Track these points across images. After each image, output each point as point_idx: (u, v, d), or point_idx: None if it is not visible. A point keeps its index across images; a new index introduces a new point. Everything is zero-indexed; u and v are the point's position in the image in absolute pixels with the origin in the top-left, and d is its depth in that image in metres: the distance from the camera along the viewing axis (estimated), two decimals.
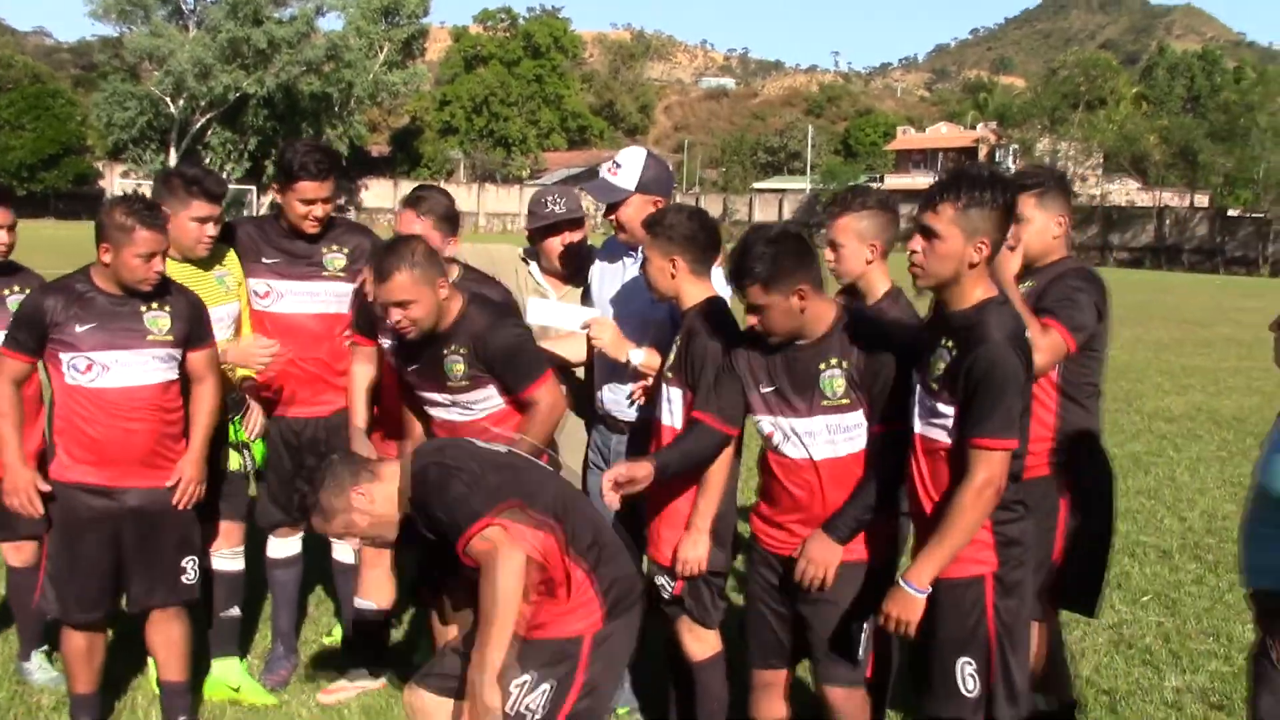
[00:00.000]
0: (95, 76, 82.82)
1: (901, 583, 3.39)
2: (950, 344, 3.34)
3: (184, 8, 72.03)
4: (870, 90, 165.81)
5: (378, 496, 3.58)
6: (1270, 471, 3.04)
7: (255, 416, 4.76)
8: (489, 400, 4.22)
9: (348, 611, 5.18)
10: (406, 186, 71.15)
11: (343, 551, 5.18)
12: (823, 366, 3.59)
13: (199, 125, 69.71)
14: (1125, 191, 68.68)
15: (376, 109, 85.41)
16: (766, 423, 3.74)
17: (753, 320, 3.63)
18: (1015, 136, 71.43)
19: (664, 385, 4.06)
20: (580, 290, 4.86)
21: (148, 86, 68.86)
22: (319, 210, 4.73)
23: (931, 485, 3.45)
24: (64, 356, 4.06)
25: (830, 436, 3.63)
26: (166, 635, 4.32)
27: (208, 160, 69.70)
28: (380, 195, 72.59)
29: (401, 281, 3.97)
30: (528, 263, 4.99)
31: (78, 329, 4.05)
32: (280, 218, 4.87)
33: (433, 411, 4.33)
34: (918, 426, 3.47)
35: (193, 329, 4.26)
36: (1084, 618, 5.85)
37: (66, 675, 4.36)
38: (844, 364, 3.57)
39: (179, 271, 4.54)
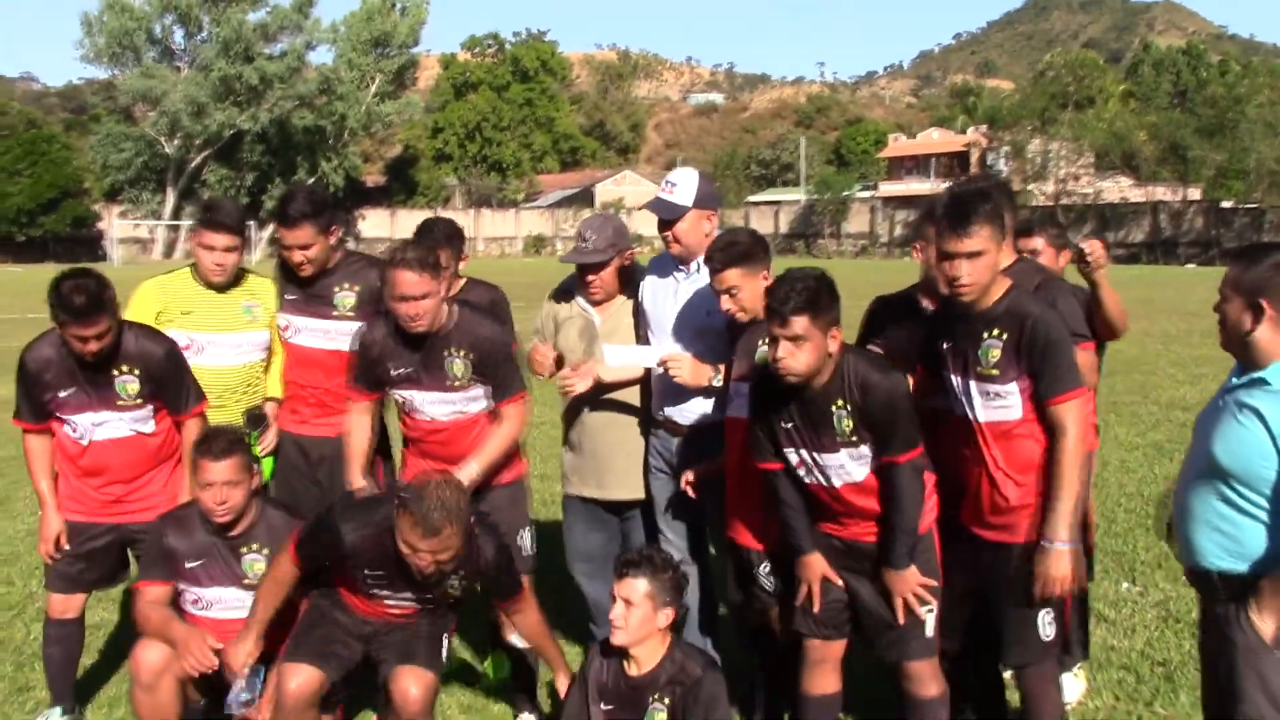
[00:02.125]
0: (87, 119, 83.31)
1: (1047, 544, 3.68)
2: (997, 332, 3.71)
3: (174, 48, 72.50)
4: (858, 99, 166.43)
5: None
6: (1223, 445, 3.13)
7: (271, 435, 5.14)
8: (479, 402, 4.65)
9: None
10: (403, 215, 71.56)
11: None
12: (833, 408, 3.82)
13: (195, 164, 70.12)
14: (1118, 189, 69.01)
15: (370, 139, 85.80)
16: (792, 455, 3.97)
17: (781, 355, 3.74)
18: (1006, 139, 71.77)
19: (733, 384, 4.34)
20: (621, 305, 5.06)
21: (142, 127, 69.27)
22: (297, 256, 4.96)
23: (1008, 464, 3.76)
24: None
25: (852, 465, 3.88)
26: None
27: (205, 198, 70.04)
28: (378, 225, 72.88)
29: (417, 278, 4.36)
30: (571, 294, 5.15)
31: None
32: None
33: (429, 409, 4.64)
34: (981, 417, 3.78)
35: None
36: (1133, 598, 6.10)
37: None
38: (848, 406, 3.81)
39: (203, 297, 5.00)
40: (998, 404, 3.76)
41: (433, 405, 4.67)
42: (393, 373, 4.66)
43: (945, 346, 3.89)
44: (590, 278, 4.94)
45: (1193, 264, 52.20)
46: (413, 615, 4.26)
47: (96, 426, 4.61)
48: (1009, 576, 3.82)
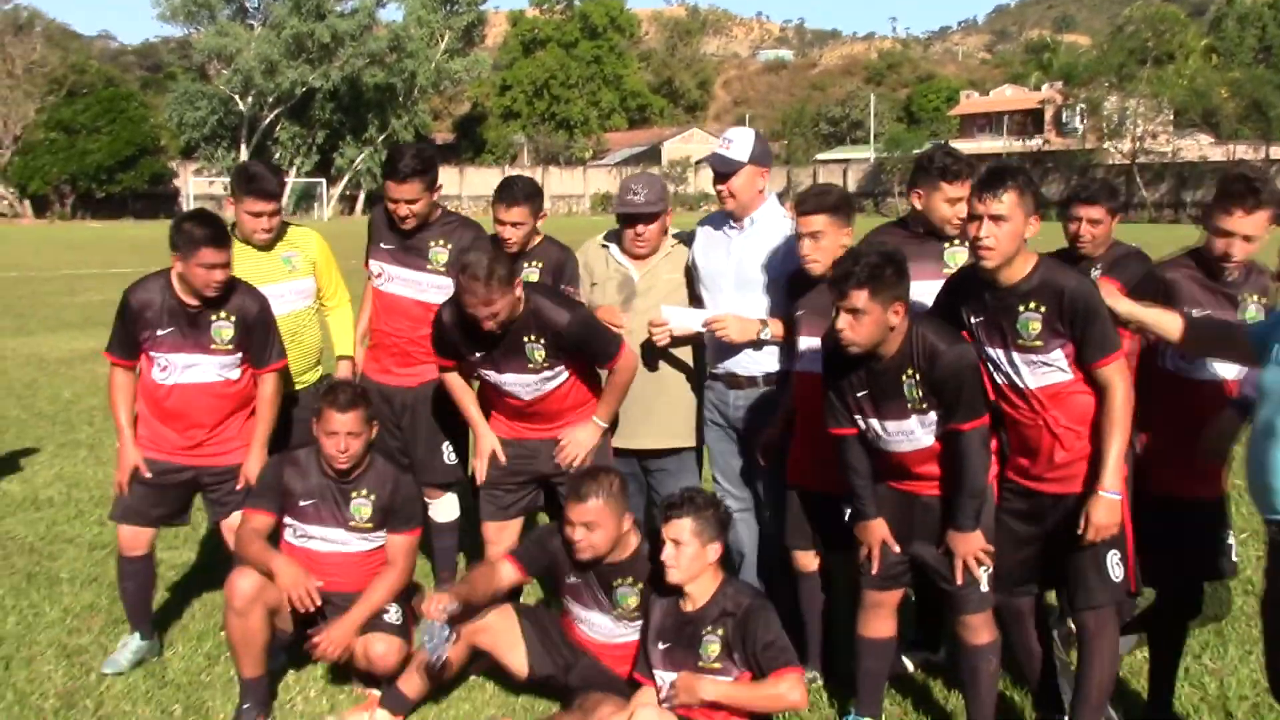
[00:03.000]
0: (163, 78, 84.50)
1: (1102, 493, 3.86)
2: (1034, 304, 3.87)
3: (248, 6, 73.25)
4: (930, 55, 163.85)
5: None
6: None
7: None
8: (560, 376, 4.83)
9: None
10: (472, 173, 72.05)
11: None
12: (904, 377, 3.99)
13: (267, 121, 70.94)
14: (1198, 147, 67.47)
15: (439, 97, 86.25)
16: (861, 422, 4.16)
17: (841, 326, 3.90)
18: (1082, 96, 70.33)
19: (799, 338, 4.54)
20: (659, 263, 5.26)
21: (216, 85, 70.18)
22: (403, 209, 5.25)
23: (1069, 421, 3.95)
24: None
25: (921, 432, 4.06)
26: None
27: (276, 156, 70.98)
28: (447, 182, 72.40)
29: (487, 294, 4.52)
30: (607, 246, 5.36)
31: None
32: None
33: (509, 388, 4.85)
34: (1032, 384, 3.96)
35: (387, 513, 4.83)
36: None
37: (234, 659, 4.62)
38: (917, 375, 3.98)
39: (244, 254, 5.26)
40: (1045, 370, 3.94)
41: (512, 385, 4.87)
42: (470, 356, 4.87)
43: (975, 320, 4.04)
44: (640, 228, 5.12)
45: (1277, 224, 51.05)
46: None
47: (187, 369, 4.91)
48: (1075, 523, 3.96)
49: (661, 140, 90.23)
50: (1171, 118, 67.15)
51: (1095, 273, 4.67)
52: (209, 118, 70.15)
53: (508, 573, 4.57)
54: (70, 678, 4.95)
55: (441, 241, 5.39)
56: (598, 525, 4.32)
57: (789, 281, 4.77)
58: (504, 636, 4.58)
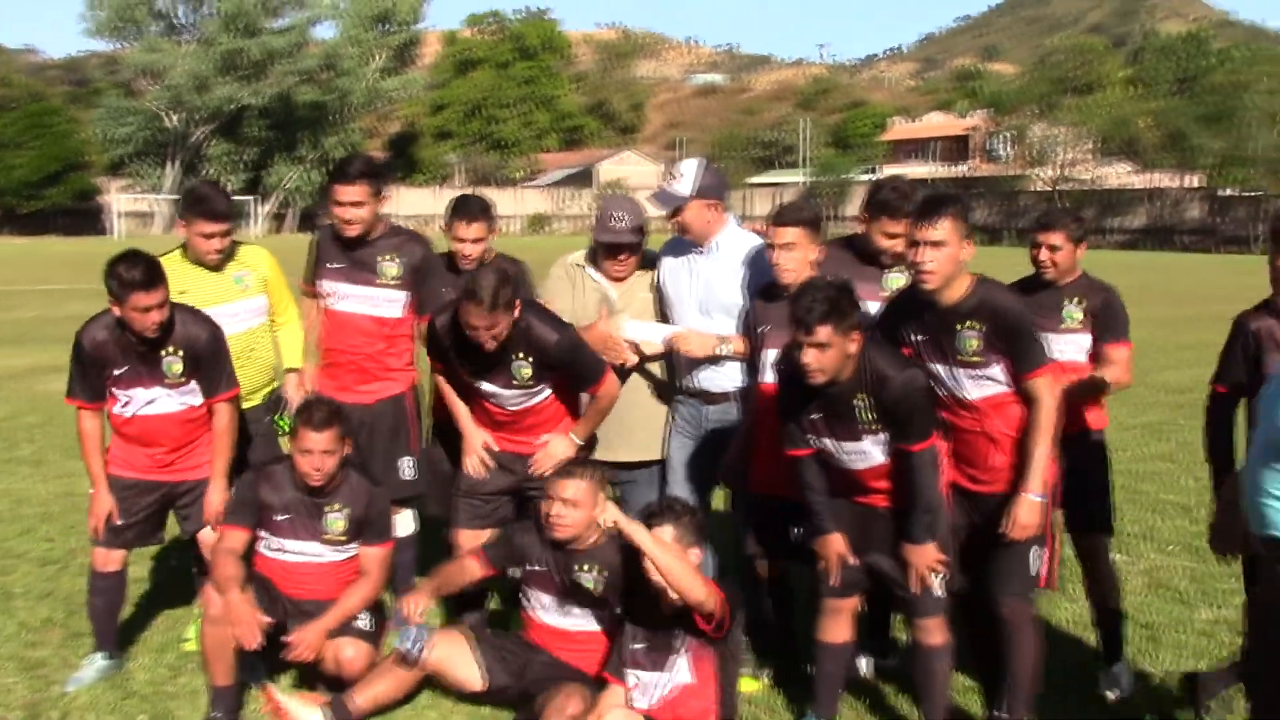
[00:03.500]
0: (88, 93, 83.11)
1: (1028, 495, 4.14)
2: (971, 323, 4.15)
3: (178, 22, 72.40)
4: (859, 82, 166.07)
5: None
6: None
7: (294, 401, 5.48)
8: (543, 393, 4.96)
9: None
10: (405, 192, 71.59)
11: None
12: (855, 400, 4.20)
13: (197, 138, 70.14)
14: (1119, 175, 69.13)
15: (372, 116, 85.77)
16: (813, 441, 4.36)
17: (808, 360, 4.09)
18: (1008, 124, 71.86)
19: (761, 351, 4.77)
20: (635, 282, 5.40)
21: (145, 101, 69.28)
22: (348, 213, 5.28)
23: (1006, 428, 4.24)
24: None
25: (874, 451, 4.27)
26: None
27: (208, 172, 70.14)
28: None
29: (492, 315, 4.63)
30: (584, 266, 5.48)
31: None
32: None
33: (491, 398, 4.98)
34: (973, 396, 4.24)
35: (360, 526, 4.92)
36: (1123, 567, 6.43)
37: (205, 667, 4.67)
38: (868, 399, 4.19)
39: (196, 276, 5.33)
40: (986, 383, 4.22)
41: (496, 397, 4.99)
42: (458, 365, 4.99)
43: (918, 339, 4.29)
44: (624, 256, 5.27)
45: (1191, 251, 52.45)
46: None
47: (148, 403, 4.98)
48: (1001, 521, 4.24)
49: (595, 162, 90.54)
50: (1094, 146, 68.80)
51: (1071, 306, 4.90)
52: (137, 134, 69.26)
53: (474, 568, 4.74)
54: (32, 690, 4.95)
55: (390, 256, 5.45)
56: (577, 505, 4.49)
57: (755, 296, 4.95)
58: (455, 654, 4.70)
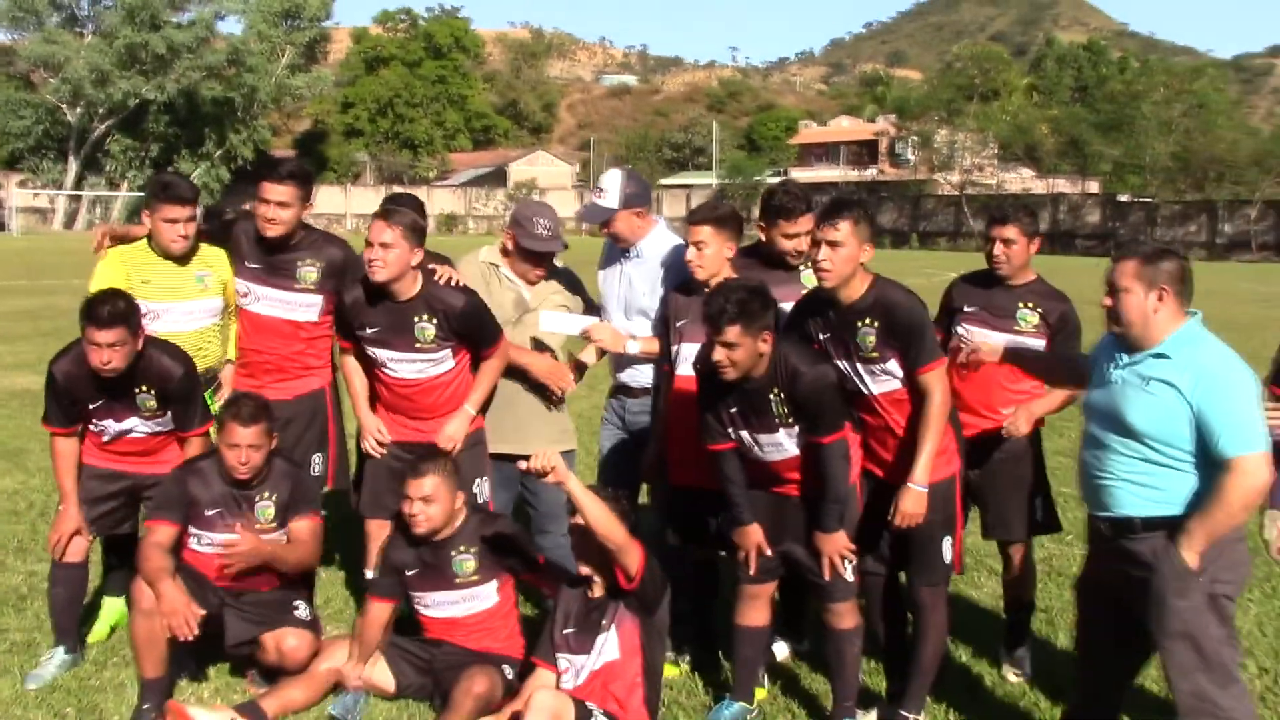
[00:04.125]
0: None
1: (912, 486, 4.34)
2: (869, 320, 4.36)
3: (78, 14, 70.74)
4: (770, 85, 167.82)
5: None
6: (1138, 413, 3.67)
7: (225, 393, 5.50)
8: (444, 363, 5.12)
9: None
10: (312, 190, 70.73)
11: None
12: (770, 395, 4.40)
13: (99, 133, 68.58)
14: (1021, 180, 70.88)
15: (279, 113, 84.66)
16: (732, 434, 4.55)
17: (719, 358, 4.30)
18: (914, 129, 73.26)
19: (677, 345, 4.98)
20: (546, 283, 5.55)
21: (43, 94, 67.56)
22: (272, 211, 5.27)
23: (904, 421, 4.47)
24: None
25: (788, 443, 4.47)
26: None
27: (108, 168, 68.57)
28: None
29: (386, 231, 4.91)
30: (497, 266, 5.58)
31: None
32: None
33: (392, 368, 5.13)
34: (875, 390, 4.47)
35: (288, 508, 4.99)
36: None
37: (136, 659, 4.72)
38: (781, 394, 4.39)
39: (160, 268, 5.35)
40: (884, 379, 4.44)
41: (399, 365, 5.12)
42: (363, 331, 5.11)
43: (823, 336, 4.50)
44: (545, 263, 5.46)
45: (1090, 255, 53.97)
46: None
47: (121, 433, 5.08)
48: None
49: (507, 162, 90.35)
50: (997, 152, 70.45)
51: (1026, 310, 5.07)
52: (34, 127, 67.51)
53: (381, 611, 4.88)
54: None
55: (309, 260, 5.46)
56: (434, 500, 4.67)
57: (674, 291, 5.12)
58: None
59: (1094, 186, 69.62)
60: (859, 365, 4.43)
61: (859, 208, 4.39)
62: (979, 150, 68.89)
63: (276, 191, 5.26)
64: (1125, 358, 3.79)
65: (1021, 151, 70.24)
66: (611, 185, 5.36)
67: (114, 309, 4.74)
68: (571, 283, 5.64)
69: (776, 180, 77.69)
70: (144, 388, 4.98)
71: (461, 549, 4.80)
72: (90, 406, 5.01)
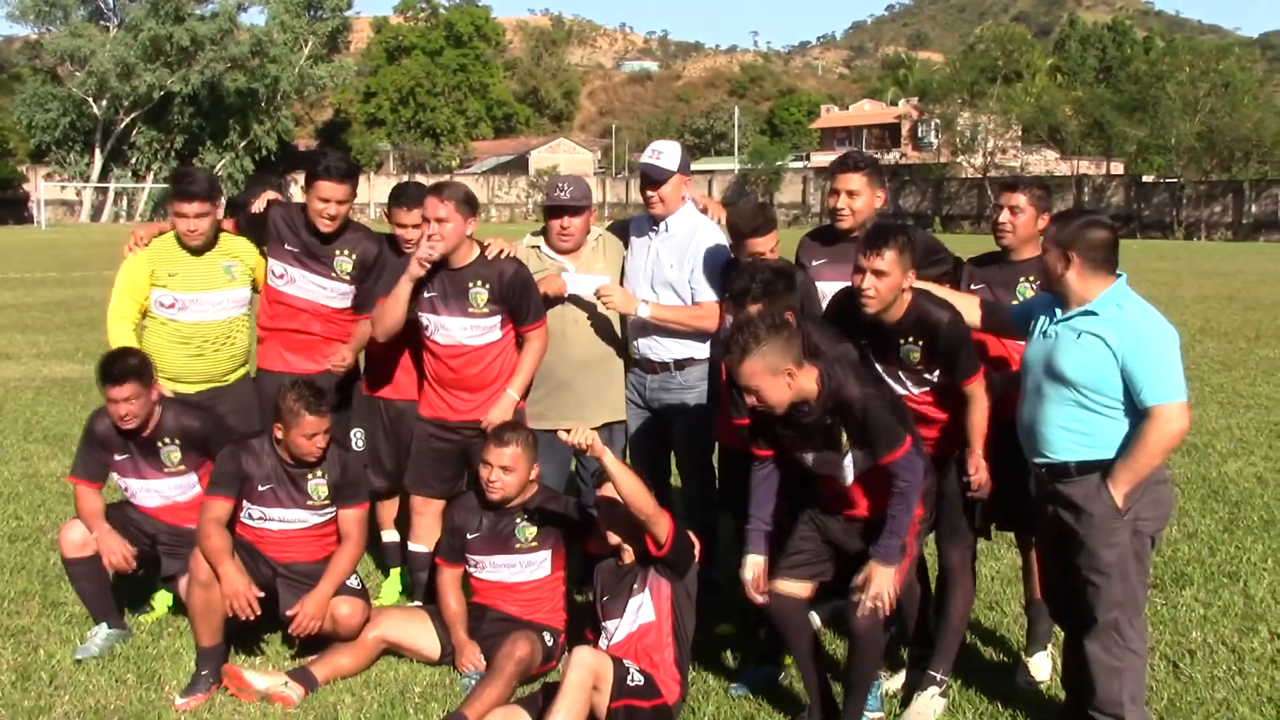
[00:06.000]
0: (9, 79, 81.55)
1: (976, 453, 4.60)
2: (912, 338, 4.52)
3: (104, 7, 71.40)
4: (791, 69, 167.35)
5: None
6: (1070, 363, 3.98)
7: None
8: (493, 332, 5.26)
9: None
10: None
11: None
12: (829, 421, 4.28)
13: (124, 125, 69.14)
14: (1044, 162, 70.52)
15: (302, 103, 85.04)
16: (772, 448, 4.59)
17: (755, 404, 4.24)
18: (936, 112, 72.97)
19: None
20: (582, 260, 5.71)
21: (69, 87, 68.13)
22: (331, 209, 5.50)
23: (940, 411, 4.69)
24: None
25: (848, 470, 4.38)
26: None
27: (134, 160, 69.11)
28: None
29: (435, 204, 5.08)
30: (539, 247, 5.79)
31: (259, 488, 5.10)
32: (305, 211, 5.64)
33: (445, 334, 5.27)
34: (914, 391, 4.65)
35: (339, 490, 5.16)
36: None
37: (193, 627, 4.92)
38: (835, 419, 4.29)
39: (186, 260, 5.55)
40: (924, 385, 4.63)
41: (452, 330, 5.27)
42: (423, 294, 5.26)
43: (863, 342, 4.58)
44: (566, 221, 5.59)
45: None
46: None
47: (146, 492, 5.36)
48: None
49: (528, 149, 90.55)
50: (1020, 134, 70.08)
51: (1025, 285, 4.84)
52: (60, 120, 68.09)
53: (453, 576, 5.11)
54: (19, 655, 5.16)
55: (347, 251, 5.65)
56: (512, 469, 4.88)
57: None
58: (411, 626, 5.09)
59: (1118, 168, 69.22)
60: (901, 372, 4.59)
61: (903, 234, 4.44)
62: (1002, 133, 68.58)
63: (337, 191, 5.49)
64: (1060, 313, 4.13)
65: (1045, 133, 69.82)
66: (670, 150, 5.60)
67: (125, 366, 5.08)
68: (619, 253, 5.78)
69: (798, 165, 76.98)
70: (167, 440, 5.26)
71: (525, 517, 5.00)
72: (116, 459, 5.28)
